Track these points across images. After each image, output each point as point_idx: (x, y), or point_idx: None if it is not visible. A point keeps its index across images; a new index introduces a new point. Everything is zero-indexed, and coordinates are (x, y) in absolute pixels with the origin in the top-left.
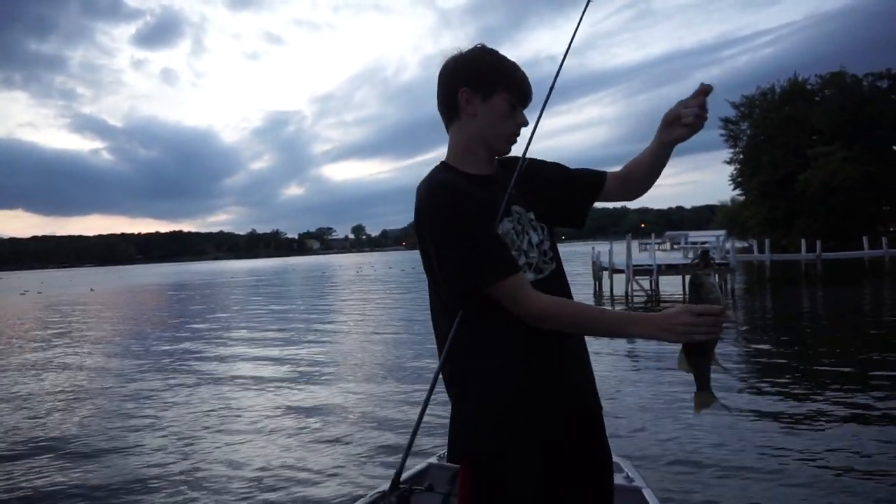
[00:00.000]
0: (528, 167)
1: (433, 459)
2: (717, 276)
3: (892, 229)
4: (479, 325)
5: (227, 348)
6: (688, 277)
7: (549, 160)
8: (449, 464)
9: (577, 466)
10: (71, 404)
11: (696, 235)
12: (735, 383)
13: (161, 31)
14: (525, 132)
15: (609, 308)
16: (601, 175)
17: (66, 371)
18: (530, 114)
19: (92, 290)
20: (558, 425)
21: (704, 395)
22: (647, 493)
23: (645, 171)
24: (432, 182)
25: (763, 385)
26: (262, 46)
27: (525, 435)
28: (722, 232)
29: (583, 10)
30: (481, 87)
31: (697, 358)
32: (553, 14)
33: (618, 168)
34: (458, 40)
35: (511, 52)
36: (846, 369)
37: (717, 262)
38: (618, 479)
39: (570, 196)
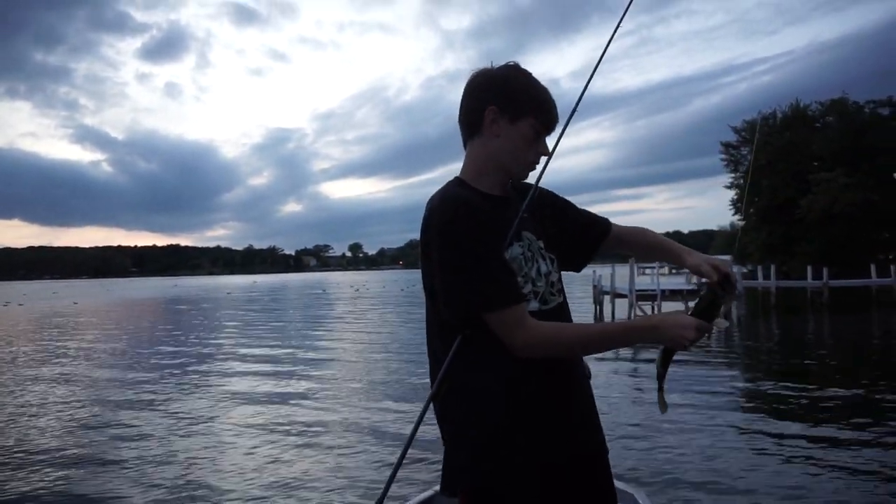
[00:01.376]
0: (542, 197)
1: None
2: (731, 304)
3: (891, 256)
4: (478, 347)
5: (209, 377)
6: (702, 291)
7: (560, 196)
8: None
9: (578, 494)
10: None
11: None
12: (758, 412)
13: (166, 46)
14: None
15: (607, 322)
16: (609, 225)
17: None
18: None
19: (75, 303)
20: (560, 449)
21: (663, 396)
22: None
23: (641, 252)
24: (446, 196)
25: (781, 413)
26: (266, 63)
27: (525, 457)
28: (727, 257)
29: (612, 34)
30: (510, 109)
31: (669, 362)
32: (556, 39)
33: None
34: (461, 62)
35: None
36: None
37: None
38: None
39: (579, 238)
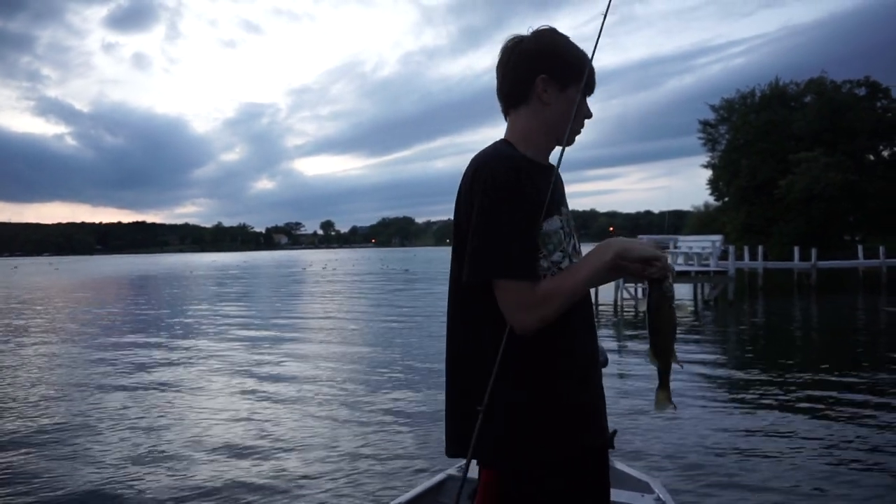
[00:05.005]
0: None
1: (452, 471)
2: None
3: (857, 238)
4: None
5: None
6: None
7: None
8: (462, 475)
9: (594, 482)
10: None
11: (687, 240)
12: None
13: (135, 14)
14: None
15: (578, 261)
16: None
17: None
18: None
19: None
20: (596, 435)
21: (664, 394)
22: None
23: None
24: (499, 153)
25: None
26: (239, 34)
27: (568, 440)
28: (719, 237)
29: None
30: (560, 77)
31: (665, 352)
32: (535, 15)
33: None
34: (440, 38)
35: (493, 51)
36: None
37: (713, 269)
38: (648, 501)
39: None
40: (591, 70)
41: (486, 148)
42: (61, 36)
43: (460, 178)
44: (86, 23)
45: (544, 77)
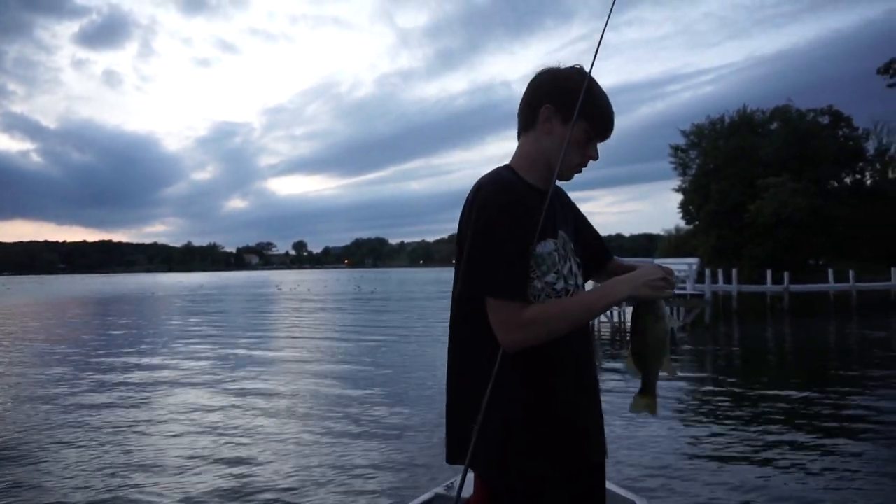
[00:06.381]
0: (570, 204)
1: (440, 489)
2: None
3: (821, 262)
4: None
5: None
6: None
7: (580, 209)
8: (456, 495)
9: (591, 499)
10: None
11: (665, 263)
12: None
13: (107, 31)
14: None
15: (583, 291)
16: (609, 258)
17: None
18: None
19: None
20: (593, 453)
21: (647, 399)
22: None
23: None
24: (497, 177)
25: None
26: (213, 53)
27: (563, 461)
28: (695, 260)
29: (601, 33)
30: (564, 109)
31: (647, 361)
32: (510, 40)
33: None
34: (416, 60)
35: (468, 75)
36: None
37: (690, 293)
38: None
39: (588, 261)
40: (604, 113)
41: (489, 171)
42: (29, 51)
43: (434, 200)
44: (55, 39)
45: (549, 107)
